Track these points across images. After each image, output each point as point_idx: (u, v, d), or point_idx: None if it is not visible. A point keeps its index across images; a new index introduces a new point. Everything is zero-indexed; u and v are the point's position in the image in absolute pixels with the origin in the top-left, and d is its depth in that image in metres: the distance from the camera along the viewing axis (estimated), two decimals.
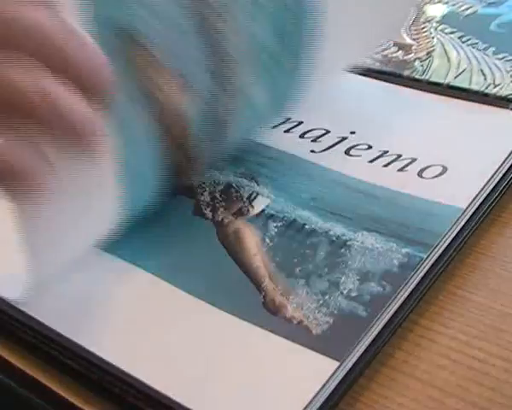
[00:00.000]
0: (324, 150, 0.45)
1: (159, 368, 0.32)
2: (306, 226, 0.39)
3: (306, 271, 0.37)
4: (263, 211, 0.41)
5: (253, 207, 0.41)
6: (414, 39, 0.56)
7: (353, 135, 0.46)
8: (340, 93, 0.51)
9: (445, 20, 0.58)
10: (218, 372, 0.32)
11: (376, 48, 0.53)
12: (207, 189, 0.42)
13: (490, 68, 0.51)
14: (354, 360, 0.33)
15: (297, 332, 0.34)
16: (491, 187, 0.42)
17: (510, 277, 0.38)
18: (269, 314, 0.35)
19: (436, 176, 0.42)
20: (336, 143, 0.46)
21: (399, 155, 0.44)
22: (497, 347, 0.34)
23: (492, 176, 0.42)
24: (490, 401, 0.32)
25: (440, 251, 0.38)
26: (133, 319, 0.35)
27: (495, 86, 0.49)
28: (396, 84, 0.51)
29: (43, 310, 0.35)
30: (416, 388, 0.32)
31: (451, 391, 0.32)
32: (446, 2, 0.61)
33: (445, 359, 0.34)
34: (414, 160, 0.44)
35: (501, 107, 0.47)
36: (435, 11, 0.60)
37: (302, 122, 0.48)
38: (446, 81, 0.51)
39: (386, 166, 0.44)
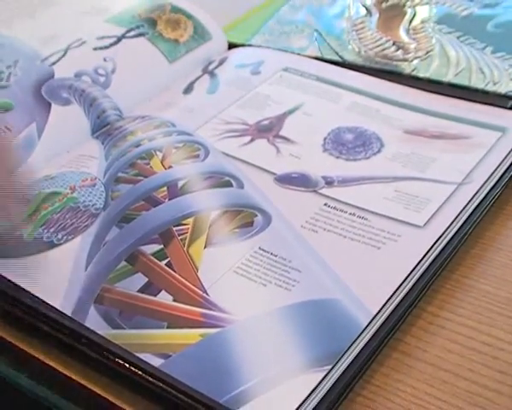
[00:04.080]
0: None
1: None
2: None
3: None
4: None
5: None
6: (413, 39, 0.57)
7: None
8: None
9: (442, 20, 0.59)
10: None
11: None
12: None
13: (488, 67, 0.52)
14: (362, 345, 0.34)
15: None
16: (495, 181, 0.43)
17: None
18: None
19: None
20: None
21: None
22: (504, 332, 0.35)
23: (494, 171, 0.43)
24: (500, 383, 0.32)
25: (445, 241, 0.39)
26: None
27: (494, 84, 0.50)
28: (397, 82, 0.52)
29: None
30: (429, 372, 0.33)
31: (463, 375, 0.33)
32: (443, 4, 0.62)
33: (455, 344, 0.35)
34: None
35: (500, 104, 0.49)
36: (431, 12, 0.61)
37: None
38: (446, 79, 0.52)
39: None
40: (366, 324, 0.34)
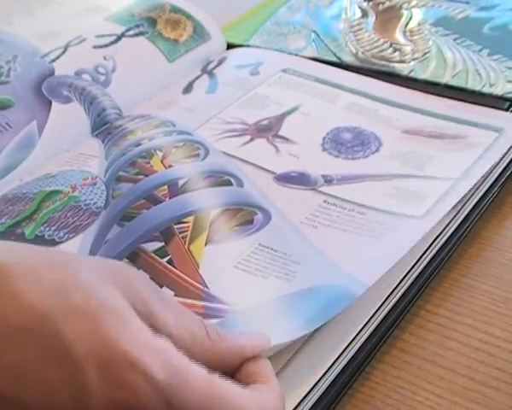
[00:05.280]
0: None
1: None
2: None
3: None
4: None
5: None
6: (410, 41, 0.58)
7: None
8: None
9: (439, 23, 0.60)
10: None
11: None
12: None
13: (485, 69, 0.53)
14: (361, 342, 0.34)
15: None
16: (492, 181, 0.43)
17: None
18: None
19: None
20: None
21: None
22: (501, 330, 0.35)
23: (492, 170, 0.43)
24: (497, 380, 0.33)
25: (443, 240, 0.39)
26: None
27: (491, 86, 0.51)
28: (394, 84, 0.53)
29: None
30: (427, 368, 0.34)
31: (461, 371, 0.34)
32: (440, 7, 0.63)
33: (453, 341, 0.35)
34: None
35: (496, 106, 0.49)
36: (427, 14, 0.62)
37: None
38: (443, 81, 0.52)
39: None
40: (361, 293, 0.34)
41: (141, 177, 0.45)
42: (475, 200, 0.42)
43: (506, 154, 0.45)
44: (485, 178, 0.43)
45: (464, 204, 0.41)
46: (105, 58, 0.53)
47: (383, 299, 0.36)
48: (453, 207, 0.40)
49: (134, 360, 0.22)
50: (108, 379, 0.22)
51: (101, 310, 0.23)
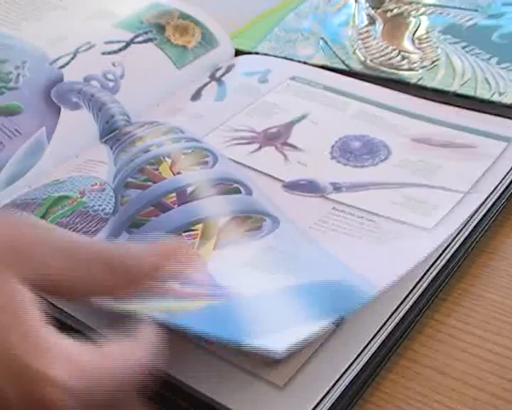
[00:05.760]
0: None
1: None
2: None
3: None
4: None
5: None
6: (418, 48, 0.58)
7: None
8: None
9: (447, 30, 0.60)
10: None
11: None
12: None
13: (494, 77, 0.53)
14: (371, 352, 0.34)
15: None
16: (500, 191, 0.43)
17: None
18: None
19: None
20: None
21: None
22: (511, 340, 0.35)
23: (500, 181, 0.43)
24: (508, 391, 0.33)
25: (452, 250, 0.39)
26: None
27: (500, 94, 0.51)
28: (403, 92, 0.53)
29: None
30: (437, 379, 0.34)
31: (471, 382, 0.33)
32: (448, 14, 0.62)
33: (463, 352, 0.35)
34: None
35: (505, 115, 0.49)
36: (435, 22, 0.62)
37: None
38: (452, 89, 0.52)
39: None
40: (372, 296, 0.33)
41: (149, 183, 0.45)
42: (484, 210, 0.41)
43: None
44: (494, 188, 0.43)
45: (473, 215, 0.41)
46: (114, 64, 0.53)
47: (393, 309, 0.36)
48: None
49: (44, 372, 0.23)
50: (26, 395, 0.23)
51: (6, 325, 0.24)
